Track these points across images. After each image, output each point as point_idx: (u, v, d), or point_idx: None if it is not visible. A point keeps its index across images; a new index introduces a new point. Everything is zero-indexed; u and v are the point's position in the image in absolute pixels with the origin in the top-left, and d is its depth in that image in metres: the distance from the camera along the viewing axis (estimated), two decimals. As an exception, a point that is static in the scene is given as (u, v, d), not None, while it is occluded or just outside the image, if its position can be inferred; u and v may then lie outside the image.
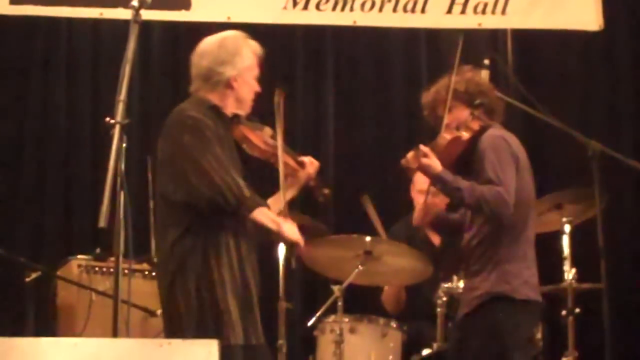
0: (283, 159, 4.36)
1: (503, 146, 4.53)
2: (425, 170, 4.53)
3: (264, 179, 4.51)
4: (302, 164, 4.48)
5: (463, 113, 4.62)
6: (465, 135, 4.58)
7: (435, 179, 4.53)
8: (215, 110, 4.23)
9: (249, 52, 4.33)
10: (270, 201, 4.35)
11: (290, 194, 4.43)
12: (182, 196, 4.08)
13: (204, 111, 4.18)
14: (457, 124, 4.61)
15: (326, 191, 4.60)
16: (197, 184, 4.02)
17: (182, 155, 4.08)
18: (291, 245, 4.38)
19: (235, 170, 4.14)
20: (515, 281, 4.47)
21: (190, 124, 4.11)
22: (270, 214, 4.21)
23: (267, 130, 4.41)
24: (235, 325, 4.04)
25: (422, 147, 4.51)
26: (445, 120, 4.61)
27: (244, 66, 4.29)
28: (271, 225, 4.19)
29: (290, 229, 4.24)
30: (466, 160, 4.58)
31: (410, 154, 4.56)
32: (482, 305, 4.48)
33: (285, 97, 4.45)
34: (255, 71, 4.36)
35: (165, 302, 4.15)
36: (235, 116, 4.32)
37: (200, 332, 3.95)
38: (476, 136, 4.57)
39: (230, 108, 4.29)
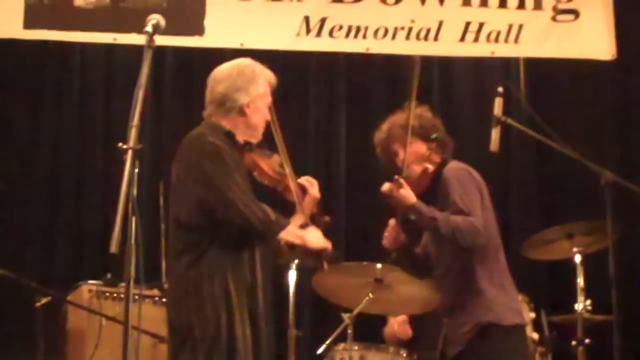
0: (294, 185, 4.39)
1: (467, 177, 4.63)
2: (401, 201, 4.58)
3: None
4: (304, 189, 4.48)
5: (421, 148, 4.70)
6: (431, 168, 4.68)
7: (411, 210, 4.59)
8: (230, 137, 4.23)
9: (264, 80, 4.34)
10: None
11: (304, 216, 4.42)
12: (197, 220, 4.06)
13: (221, 137, 4.18)
14: (416, 158, 4.68)
15: (326, 219, 4.58)
16: (223, 214, 4.02)
17: (203, 182, 4.06)
18: (319, 253, 4.38)
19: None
20: (499, 308, 4.54)
21: (210, 150, 4.10)
22: (294, 230, 4.25)
23: (276, 158, 4.43)
24: (249, 352, 4.02)
25: (398, 178, 4.56)
26: (403, 156, 4.67)
27: (257, 94, 4.29)
28: (296, 240, 4.27)
29: (315, 236, 4.31)
30: (427, 192, 4.64)
31: (387, 185, 4.59)
32: (474, 338, 4.52)
33: (277, 120, 4.44)
34: (268, 99, 4.36)
35: (176, 325, 4.09)
36: (247, 144, 4.33)
37: (214, 358, 3.94)
38: (438, 169, 4.66)
39: (241, 134, 4.29)
